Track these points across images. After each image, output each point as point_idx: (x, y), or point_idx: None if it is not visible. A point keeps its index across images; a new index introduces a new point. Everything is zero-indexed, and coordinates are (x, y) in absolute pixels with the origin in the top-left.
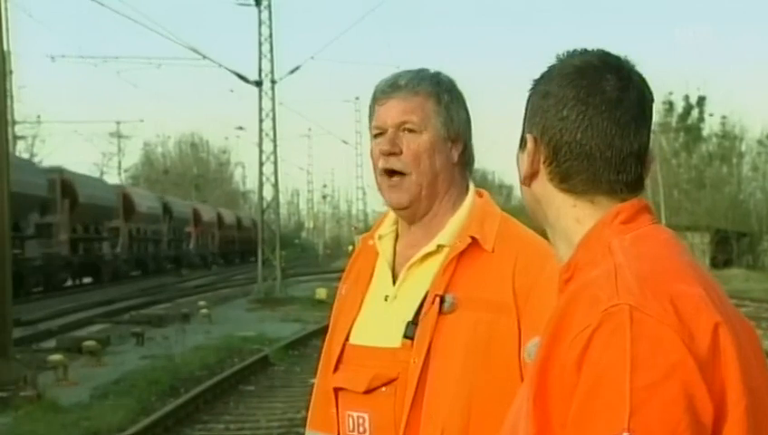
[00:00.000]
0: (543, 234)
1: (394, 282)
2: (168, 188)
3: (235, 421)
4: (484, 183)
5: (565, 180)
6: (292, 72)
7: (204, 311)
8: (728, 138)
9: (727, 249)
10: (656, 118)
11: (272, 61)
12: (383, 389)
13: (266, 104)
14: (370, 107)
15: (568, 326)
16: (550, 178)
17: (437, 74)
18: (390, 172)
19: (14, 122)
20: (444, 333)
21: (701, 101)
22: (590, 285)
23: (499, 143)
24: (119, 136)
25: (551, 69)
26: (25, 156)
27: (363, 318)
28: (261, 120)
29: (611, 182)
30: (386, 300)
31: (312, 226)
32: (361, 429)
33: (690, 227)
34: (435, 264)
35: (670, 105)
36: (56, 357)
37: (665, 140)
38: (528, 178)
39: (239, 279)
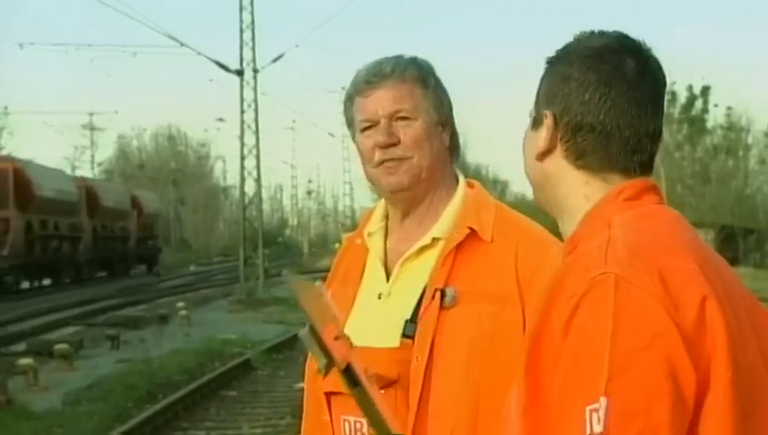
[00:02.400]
0: (539, 221)
1: (387, 279)
2: (143, 183)
3: (217, 428)
4: (479, 178)
5: (581, 157)
6: (276, 60)
7: (183, 312)
8: (734, 129)
9: (733, 246)
10: None
11: (254, 49)
12: (382, 391)
13: (248, 94)
14: (349, 99)
15: (559, 295)
16: (565, 156)
17: (416, 58)
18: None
19: None
20: (447, 329)
21: (705, 90)
22: (582, 256)
23: (494, 138)
24: (91, 128)
25: (568, 50)
26: None
27: (356, 318)
28: (242, 112)
29: (626, 161)
30: (379, 298)
31: (296, 223)
32: (359, 434)
33: (695, 224)
34: (431, 258)
35: (673, 95)
36: (26, 361)
37: (667, 132)
38: (543, 155)
39: (220, 279)
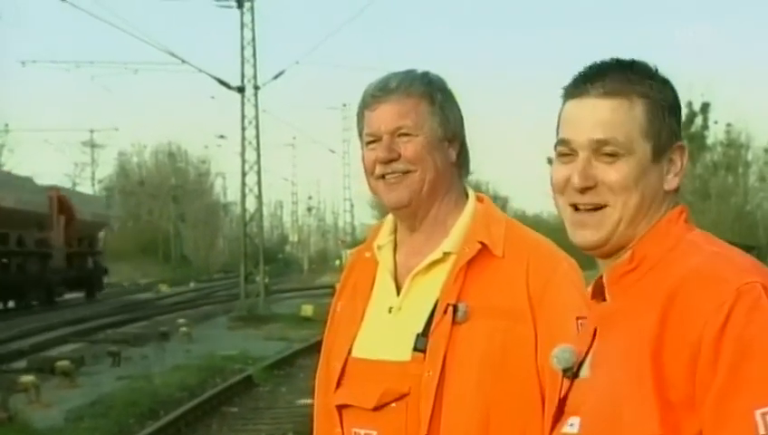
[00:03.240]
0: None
1: (398, 293)
2: (143, 201)
3: None
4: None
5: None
6: (276, 77)
7: (183, 329)
8: (734, 146)
9: None
10: None
11: (255, 66)
12: (393, 404)
13: (249, 111)
14: (359, 113)
15: (687, 310)
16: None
17: (427, 74)
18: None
19: None
20: (458, 344)
21: (705, 107)
22: (702, 271)
23: (494, 154)
24: (92, 145)
25: (651, 72)
26: None
27: (366, 332)
28: (243, 129)
29: None
30: (390, 312)
31: (296, 239)
32: None
33: None
34: (442, 272)
35: None
36: (27, 378)
37: None
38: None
39: (220, 296)
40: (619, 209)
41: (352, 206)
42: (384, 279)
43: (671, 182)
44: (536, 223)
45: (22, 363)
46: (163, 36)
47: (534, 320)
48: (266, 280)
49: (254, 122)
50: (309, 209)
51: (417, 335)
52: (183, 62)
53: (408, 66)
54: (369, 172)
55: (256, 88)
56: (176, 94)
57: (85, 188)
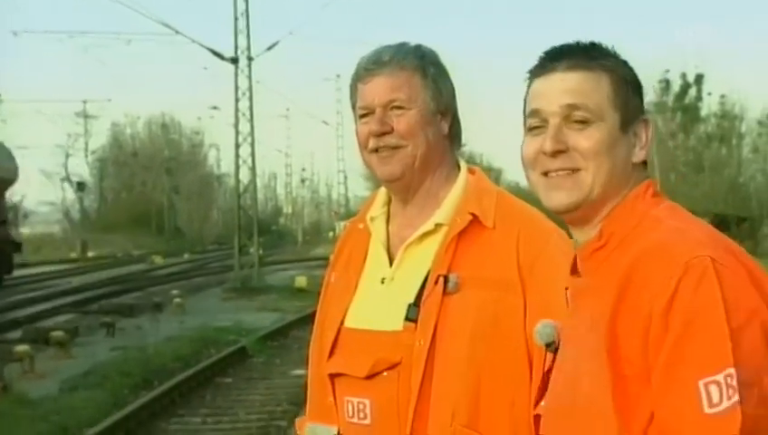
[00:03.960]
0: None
1: (390, 264)
2: (137, 172)
3: (213, 414)
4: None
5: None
6: (270, 48)
7: (177, 300)
8: (728, 118)
9: (727, 234)
10: (651, 97)
11: (248, 37)
12: (385, 373)
13: (243, 82)
14: (352, 86)
15: (641, 285)
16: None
17: (420, 47)
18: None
19: None
20: (449, 314)
21: (699, 79)
22: (658, 246)
23: (488, 125)
24: (85, 116)
25: (609, 52)
26: None
27: (359, 302)
28: (237, 100)
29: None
30: (382, 282)
31: (290, 211)
32: (362, 415)
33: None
34: (433, 243)
35: (667, 84)
36: (22, 348)
37: (661, 121)
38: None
39: (214, 267)
40: (591, 173)
41: (346, 178)
42: (377, 250)
43: (638, 155)
44: (530, 195)
45: (17, 334)
46: (156, 7)
47: (524, 290)
48: (260, 252)
49: (247, 94)
50: (303, 181)
51: (409, 305)
52: (176, 32)
53: (403, 39)
54: (363, 146)
55: (250, 59)
56: (169, 65)
57: (78, 159)
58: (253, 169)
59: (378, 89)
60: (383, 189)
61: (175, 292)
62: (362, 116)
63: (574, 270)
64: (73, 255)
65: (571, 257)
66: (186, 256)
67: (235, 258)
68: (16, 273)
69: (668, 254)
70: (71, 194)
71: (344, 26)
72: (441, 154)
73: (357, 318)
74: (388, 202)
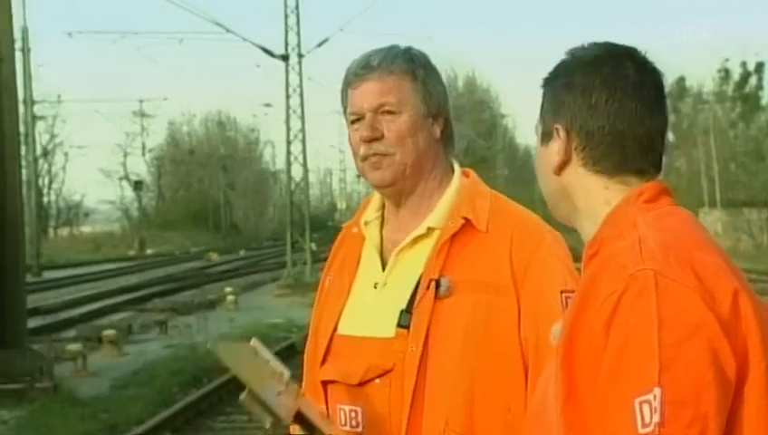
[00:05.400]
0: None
1: (383, 268)
2: (193, 169)
3: None
4: (527, 159)
5: (598, 163)
6: (320, 45)
7: (230, 297)
8: None
9: None
10: (710, 86)
11: (298, 33)
12: (377, 380)
13: (293, 79)
14: (343, 91)
15: (595, 294)
16: (583, 164)
17: (409, 50)
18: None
19: (33, 102)
20: (441, 319)
21: (759, 67)
22: (615, 256)
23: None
24: (142, 115)
25: (566, 63)
26: (46, 136)
27: (352, 308)
28: (288, 97)
29: (641, 162)
30: (375, 288)
31: (344, 207)
32: (354, 422)
33: (747, 203)
34: (426, 247)
35: (726, 73)
36: (74, 347)
37: (720, 110)
38: (560, 168)
39: (269, 264)
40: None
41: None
42: (370, 255)
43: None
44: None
45: (71, 332)
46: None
47: (518, 293)
48: (313, 247)
49: (298, 90)
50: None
51: (402, 311)
52: (227, 30)
53: (453, 34)
54: (355, 152)
55: (300, 56)
56: (222, 63)
57: (137, 157)
58: (304, 165)
59: (367, 94)
60: (378, 194)
61: (228, 289)
62: (353, 122)
63: None
64: (132, 252)
65: (567, 260)
66: (241, 252)
67: (287, 255)
68: (75, 271)
69: (617, 266)
70: (129, 192)
71: (395, 21)
72: (434, 158)
73: (350, 324)
74: (383, 206)
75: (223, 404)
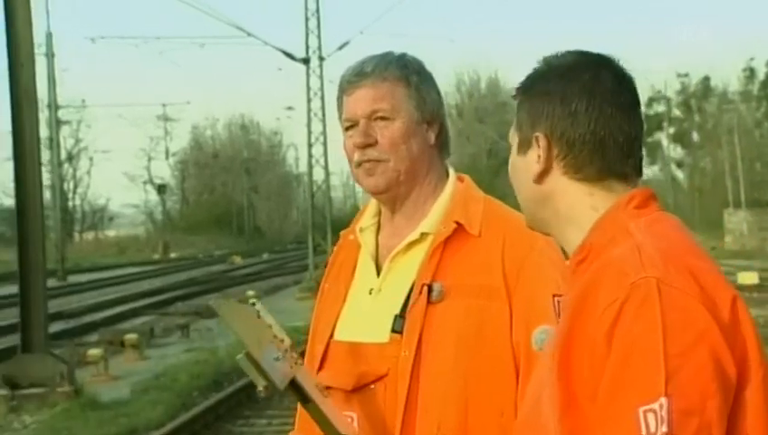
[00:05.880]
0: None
1: (378, 274)
2: (217, 173)
3: (279, 416)
4: None
5: (580, 170)
6: (341, 48)
7: (252, 301)
8: None
9: None
10: (736, 86)
11: (319, 36)
12: (372, 386)
13: (314, 83)
14: (338, 99)
15: (593, 302)
16: (564, 172)
17: (404, 56)
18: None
19: (58, 107)
20: (434, 324)
21: None
22: (614, 263)
23: None
24: (165, 119)
25: (541, 71)
26: (70, 141)
27: (348, 313)
28: (309, 100)
29: (623, 166)
30: (370, 293)
31: None
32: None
33: None
34: (419, 253)
35: (751, 72)
36: (95, 352)
37: (745, 110)
38: (540, 177)
39: (292, 267)
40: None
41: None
42: (365, 261)
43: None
44: None
45: (94, 337)
46: (228, 9)
47: (510, 297)
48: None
49: (319, 93)
50: None
51: (395, 317)
52: (249, 34)
53: (476, 36)
54: (350, 159)
55: (321, 59)
56: (244, 67)
57: (160, 161)
58: (326, 168)
59: (360, 100)
60: (374, 200)
61: (251, 292)
62: (347, 129)
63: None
64: (156, 256)
65: (559, 264)
66: (265, 255)
67: (309, 258)
68: (100, 275)
69: (618, 273)
70: (153, 196)
71: (416, 23)
72: (428, 164)
73: (345, 330)
74: (379, 213)
75: (242, 408)
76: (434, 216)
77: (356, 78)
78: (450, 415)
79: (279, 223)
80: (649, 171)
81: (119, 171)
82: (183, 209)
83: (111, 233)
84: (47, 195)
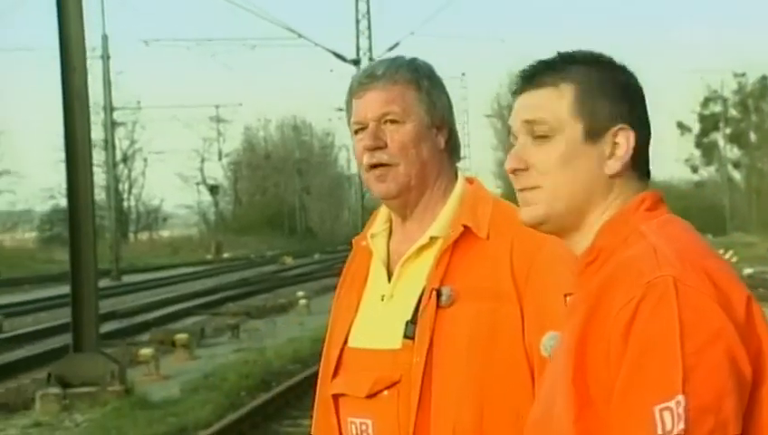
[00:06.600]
0: None
1: (389, 280)
2: (269, 174)
3: None
4: None
5: (639, 167)
6: (392, 49)
7: (302, 301)
8: None
9: None
10: None
11: (369, 38)
12: (385, 392)
13: None
14: (347, 102)
15: (608, 303)
16: (632, 166)
17: (414, 60)
18: (376, 165)
19: (113, 108)
20: (444, 328)
21: None
22: (629, 263)
23: None
24: (218, 120)
25: (604, 61)
26: (126, 142)
27: (361, 320)
28: None
29: (647, 166)
30: (382, 300)
31: None
32: None
33: None
34: (429, 257)
35: None
36: (146, 351)
37: None
38: (620, 173)
39: (342, 267)
40: (547, 190)
41: (476, 175)
42: (377, 268)
43: (612, 166)
44: (665, 189)
45: (146, 336)
46: (279, 11)
47: (520, 299)
48: None
49: None
50: None
51: (407, 322)
52: (299, 36)
53: (526, 36)
54: (359, 162)
55: (372, 60)
56: (295, 68)
57: (214, 162)
58: None
59: (371, 103)
60: (385, 206)
61: (301, 293)
62: (357, 132)
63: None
64: (209, 256)
65: (570, 264)
66: (316, 256)
67: None
68: (154, 275)
69: (634, 273)
70: (207, 197)
71: (466, 24)
72: (438, 168)
73: (359, 337)
74: (390, 219)
75: (290, 408)
76: (443, 219)
77: (367, 80)
78: (465, 419)
79: (330, 224)
80: (705, 172)
81: (172, 172)
82: (235, 210)
83: (165, 233)
84: (102, 196)
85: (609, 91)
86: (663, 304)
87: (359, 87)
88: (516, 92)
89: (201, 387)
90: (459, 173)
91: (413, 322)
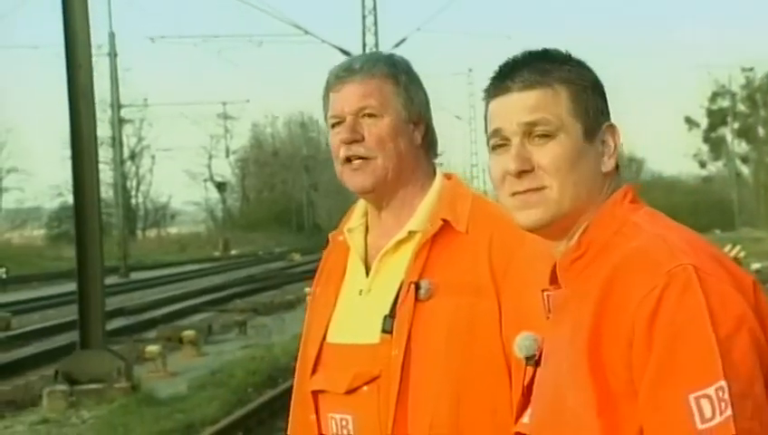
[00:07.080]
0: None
1: (367, 275)
2: (277, 171)
3: None
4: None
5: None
6: (398, 45)
7: (310, 298)
8: None
9: None
10: None
11: (376, 34)
12: (365, 388)
13: None
14: (325, 96)
15: (622, 296)
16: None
17: (392, 56)
18: (352, 158)
19: (120, 106)
20: (423, 322)
21: None
22: (639, 254)
23: (629, 116)
24: (225, 117)
25: (575, 61)
26: (133, 139)
27: (339, 315)
28: None
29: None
30: (360, 294)
31: None
32: (345, 431)
33: None
34: (407, 251)
35: None
36: (153, 348)
37: None
38: (615, 169)
39: None
40: (556, 190)
41: (483, 171)
42: (355, 262)
43: (607, 164)
44: (673, 184)
45: (153, 333)
46: (285, 7)
47: (498, 294)
48: None
49: None
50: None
51: (385, 317)
52: (306, 32)
53: (532, 33)
54: (335, 156)
55: None
56: (301, 65)
57: (221, 159)
58: None
59: (348, 96)
60: (362, 201)
61: (308, 289)
62: (334, 126)
63: (554, 280)
64: (216, 253)
65: (548, 261)
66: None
67: None
68: (162, 272)
69: (650, 262)
70: (214, 194)
71: (472, 21)
72: (414, 163)
73: (337, 332)
74: (367, 213)
75: None
76: (421, 214)
77: (344, 73)
78: (442, 413)
79: (338, 220)
80: (713, 167)
81: (180, 169)
82: (243, 207)
83: (173, 230)
84: (110, 193)
85: (596, 90)
86: (689, 293)
87: (336, 81)
88: (498, 94)
89: (208, 383)
90: (438, 169)
91: (391, 316)
